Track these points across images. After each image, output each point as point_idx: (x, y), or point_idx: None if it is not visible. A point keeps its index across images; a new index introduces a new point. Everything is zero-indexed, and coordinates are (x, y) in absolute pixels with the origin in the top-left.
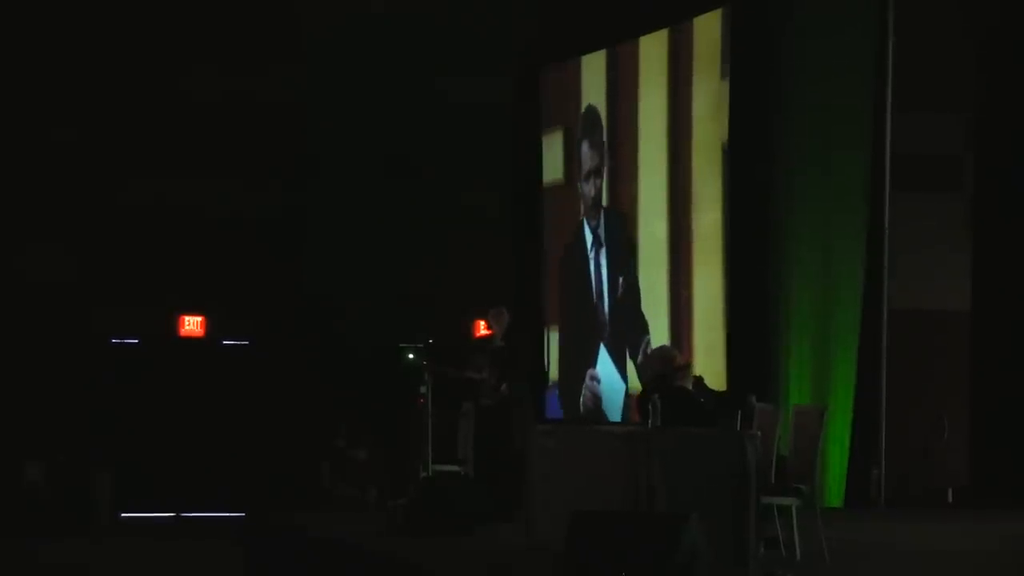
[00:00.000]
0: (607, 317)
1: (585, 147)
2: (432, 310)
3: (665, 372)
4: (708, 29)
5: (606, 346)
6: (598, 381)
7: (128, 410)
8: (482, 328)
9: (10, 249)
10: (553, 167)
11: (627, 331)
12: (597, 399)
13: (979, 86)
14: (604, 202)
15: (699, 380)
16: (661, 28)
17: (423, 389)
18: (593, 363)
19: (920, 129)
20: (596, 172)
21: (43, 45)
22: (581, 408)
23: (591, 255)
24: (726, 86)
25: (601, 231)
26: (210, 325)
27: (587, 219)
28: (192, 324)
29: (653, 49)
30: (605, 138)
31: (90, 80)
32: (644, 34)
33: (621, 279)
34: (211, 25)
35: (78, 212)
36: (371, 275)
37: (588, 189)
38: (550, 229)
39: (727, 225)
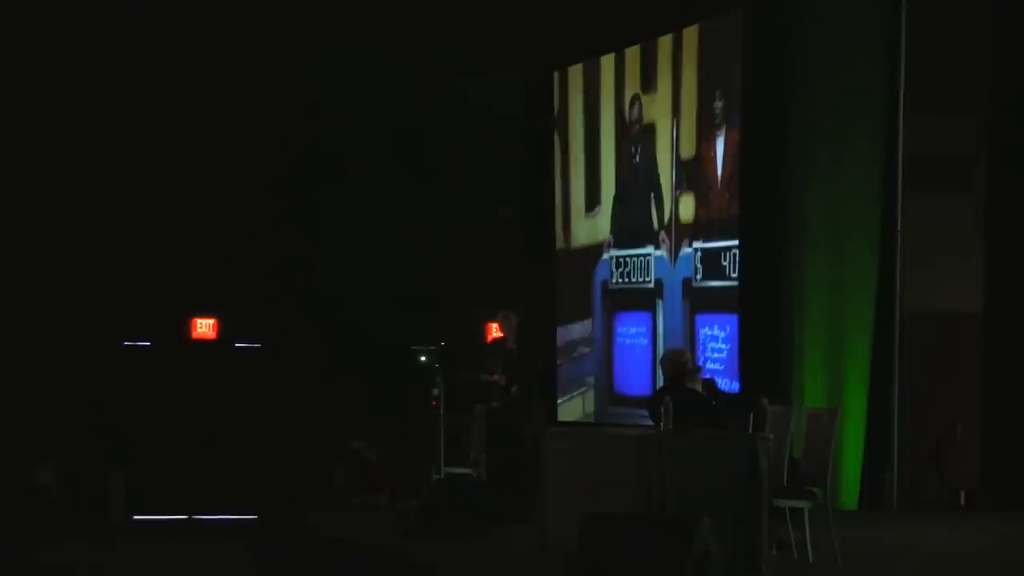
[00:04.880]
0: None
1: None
2: (445, 312)
3: (676, 374)
4: (729, 28)
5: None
6: None
7: (140, 412)
8: (494, 330)
9: (23, 250)
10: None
11: None
12: None
13: (992, 87)
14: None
15: (710, 382)
16: (681, 28)
17: (435, 391)
18: None
19: (933, 130)
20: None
21: (67, 53)
22: None
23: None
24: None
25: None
26: (222, 327)
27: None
28: (204, 326)
29: (673, 48)
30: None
31: (104, 84)
32: (663, 34)
33: None
34: (221, 28)
35: (91, 214)
36: (383, 277)
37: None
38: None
39: (739, 225)
